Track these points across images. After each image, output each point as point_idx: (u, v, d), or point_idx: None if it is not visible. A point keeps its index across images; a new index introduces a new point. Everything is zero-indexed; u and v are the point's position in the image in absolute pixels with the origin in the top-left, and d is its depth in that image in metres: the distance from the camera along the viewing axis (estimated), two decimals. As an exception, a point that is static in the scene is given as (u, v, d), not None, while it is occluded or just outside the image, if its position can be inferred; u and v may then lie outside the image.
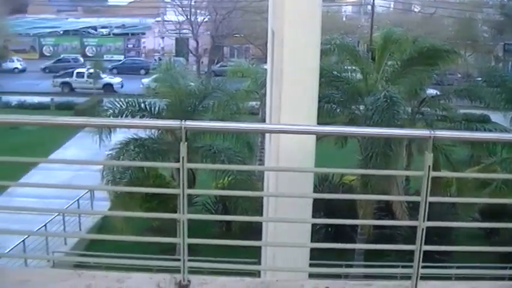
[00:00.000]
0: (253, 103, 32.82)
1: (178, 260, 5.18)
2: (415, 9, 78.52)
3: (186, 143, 4.80)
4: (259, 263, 17.27)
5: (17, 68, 73.68)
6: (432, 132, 5.11)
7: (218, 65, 66.79)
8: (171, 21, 71.81)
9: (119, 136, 24.05)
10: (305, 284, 5.24)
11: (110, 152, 23.62)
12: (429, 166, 5.06)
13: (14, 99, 56.04)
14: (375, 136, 16.89)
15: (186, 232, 4.93)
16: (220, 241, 4.90)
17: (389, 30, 28.40)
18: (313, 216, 10.97)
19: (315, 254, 11.03)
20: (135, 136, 23.62)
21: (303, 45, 10.61)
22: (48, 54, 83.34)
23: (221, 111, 24.82)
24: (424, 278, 5.36)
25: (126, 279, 5.19)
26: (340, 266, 20.36)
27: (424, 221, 5.13)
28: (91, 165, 31.91)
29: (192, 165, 5.55)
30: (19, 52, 79.90)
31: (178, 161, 15.59)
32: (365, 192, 21.55)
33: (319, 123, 11.00)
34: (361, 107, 24.33)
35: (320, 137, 16.57)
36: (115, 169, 22.94)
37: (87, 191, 29.18)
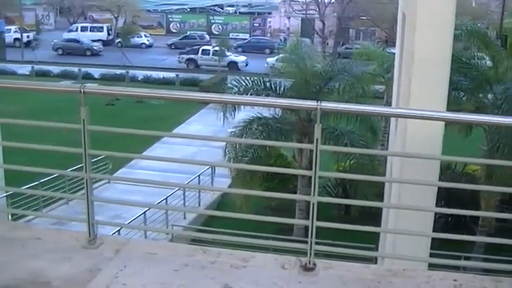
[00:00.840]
0: (377, 87, 32.39)
1: (303, 241, 5.14)
2: (551, -5, 75.42)
3: (320, 125, 4.74)
4: (376, 248, 17.12)
5: (144, 43, 75.49)
6: None
7: (343, 47, 66.43)
8: (298, 1, 71.76)
9: (241, 114, 24.21)
10: (432, 275, 5.10)
11: (233, 130, 23.84)
12: None
13: (141, 74, 57.40)
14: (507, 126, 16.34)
15: (315, 215, 4.88)
16: (348, 226, 4.81)
17: (523, 16, 27.35)
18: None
19: (433, 243, 10.86)
20: (258, 115, 23.73)
21: (435, 29, 10.38)
22: (174, 31, 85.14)
23: (346, 93, 24.57)
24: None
25: (251, 259, 5.18)
26: (459, 257, 19.95)
27: None
28: (218, 141, 32.21)
29: (326, 147, 5.47)
30: (147, 28, 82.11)
31: (301, 141, 15.55)
32: (489, 183, 20.95)
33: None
34: (489, 96, 23.59)
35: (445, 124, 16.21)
36: (237, 147, 23.14)
37: (208, 167, 29.52)
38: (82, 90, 5.09)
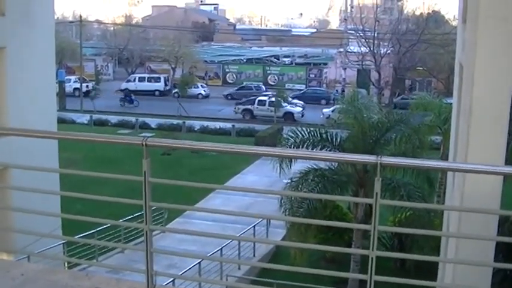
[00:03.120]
0: (434, 138, 32.17)
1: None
2: None
3: (380, 179, 4.73)
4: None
5: (201, 94, 76.30)
6: None
7: (399, 98, 66.27)
8: (354, 52, 71.77)
9: (297, 165, 24.16)
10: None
11: (289, 181, 23.81)
12: None
13: (197, 124, 57.96)
14: None
15: (374, 269, 4.87)
16: (406, 280, 4.78)
17: None
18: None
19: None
20: (314, 166, 23.67)
21: (494, 80, 10.34)
22: (231, 81, 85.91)
23: (403, 145, 24.42)
24: None
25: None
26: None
27: None
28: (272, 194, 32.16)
29: (386, 202, 5.48)
30: (203, 78, 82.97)
31: (357, 193, 15.41)
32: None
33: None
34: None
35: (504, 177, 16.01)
36: (293, 198, 23.07)
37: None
38: (144, 143, 5.19)
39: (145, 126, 57.45)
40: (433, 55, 67.13)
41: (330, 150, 23.40)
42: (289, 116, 62.42)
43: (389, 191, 22.03)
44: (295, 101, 67.71)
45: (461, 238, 10.44)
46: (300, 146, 23.42)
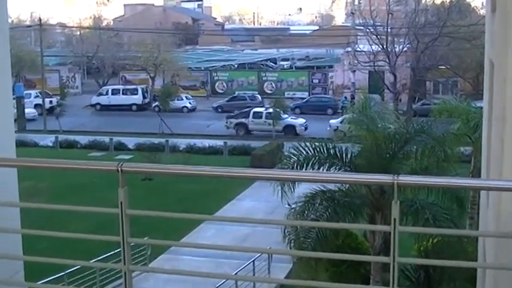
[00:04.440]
0: (463, 149, 32.11)
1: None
2: None
3: (398, 202, 4.67)
4: None
5: (186, 106, 76.20)
6: None
7: (420, 103, 66.20)
8: (364, 51, 71.31)
9: (302, 187, 24.00)
10: None
11: (293, 206, 23.65)
12: None
13: (183, 143, 57.84)
14: None
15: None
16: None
17: None
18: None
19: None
20: (322, 188, 23.54)
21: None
22: (220, 91, 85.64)
23: (425, 158, 24.33)
24: None
25: None
26: None
27: None
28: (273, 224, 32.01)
29: (405, 229, 5.43)
30: (188, 89, 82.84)
31: (373, 217, 15.27)
32: None
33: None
34: None
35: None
36: (299, 227, 22.91)
37: (264, 250, 29.35)
38: (119, 169, 5.14)
39: (121, 147, 57.46)
40: (458, 51, 67.01)
41: (339, 169, 23.31)
42: (290, 130, 62.60)
43: (412, 215, 21.89)
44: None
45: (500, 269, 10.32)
46: (304, 165, 23.30)
